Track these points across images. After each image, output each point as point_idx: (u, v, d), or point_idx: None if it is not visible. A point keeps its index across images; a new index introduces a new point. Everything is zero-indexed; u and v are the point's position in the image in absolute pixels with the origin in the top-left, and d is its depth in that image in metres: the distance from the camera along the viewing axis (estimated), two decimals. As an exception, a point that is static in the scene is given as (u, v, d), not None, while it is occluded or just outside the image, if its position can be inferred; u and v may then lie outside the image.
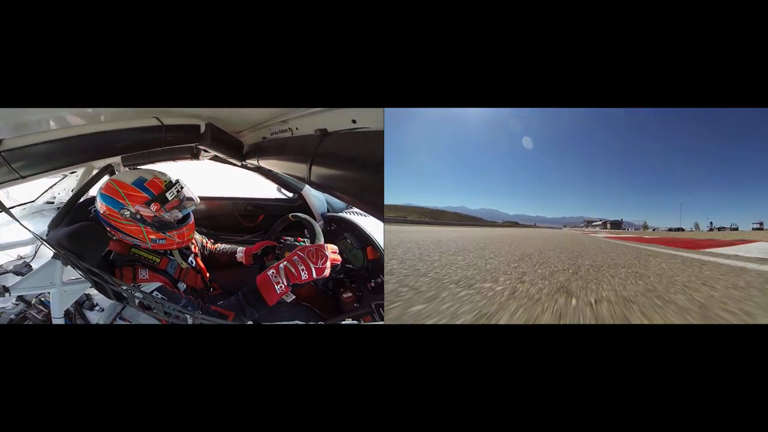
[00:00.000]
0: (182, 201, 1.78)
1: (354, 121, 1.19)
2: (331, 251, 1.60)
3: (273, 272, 1.51)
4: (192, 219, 1.88)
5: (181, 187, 1.78)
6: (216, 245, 2.27)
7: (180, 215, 1.82)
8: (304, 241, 1.90)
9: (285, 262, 1.49)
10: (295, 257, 1.49)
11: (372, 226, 2.13)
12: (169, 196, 1.71)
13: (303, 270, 1.47)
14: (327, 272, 1.51)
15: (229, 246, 2.26)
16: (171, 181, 1.76)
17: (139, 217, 1.69)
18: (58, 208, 2.22)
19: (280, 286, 1.48)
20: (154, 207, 1.68)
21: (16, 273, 1.91)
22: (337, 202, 2.73)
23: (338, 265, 1.63)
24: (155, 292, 1.59)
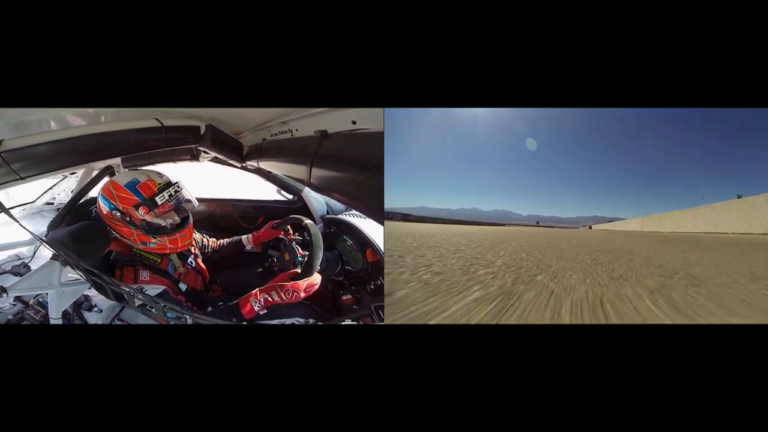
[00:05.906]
0: (177, 205, 1.74)
1: (354, 123, 1.19)
2: (308, 283, 1.65)
3: (253, 298, 1.62)
4: (189, 225, 1.83)
5: (177, 190, 1.73)
6: (219, 241, 2.26)
7: (177, 219, 1.79)
8: (303, 255, 1.90)
9: (264, 294, 1.60)
10: (273, 291, 1.60)
11: (371, 228, 2.12)
12: (158, 200, 1.66)
13: (277, 300, 1.60)
14: (300, 298, 1.65)
15: (233, 238, 2.26)
16: (167, 183, 1.72)
17: (128, 219, 1.67)
18: (58, 209, 2.22)
19: (257, 306, 1.61)
20: (142, 210, 1.65)
21: (15, 273, 1.90)
22: (336, 204, 2.71)
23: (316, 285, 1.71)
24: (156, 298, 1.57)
